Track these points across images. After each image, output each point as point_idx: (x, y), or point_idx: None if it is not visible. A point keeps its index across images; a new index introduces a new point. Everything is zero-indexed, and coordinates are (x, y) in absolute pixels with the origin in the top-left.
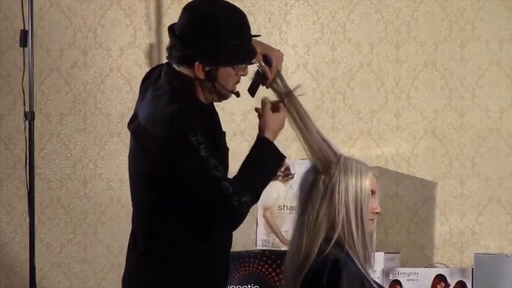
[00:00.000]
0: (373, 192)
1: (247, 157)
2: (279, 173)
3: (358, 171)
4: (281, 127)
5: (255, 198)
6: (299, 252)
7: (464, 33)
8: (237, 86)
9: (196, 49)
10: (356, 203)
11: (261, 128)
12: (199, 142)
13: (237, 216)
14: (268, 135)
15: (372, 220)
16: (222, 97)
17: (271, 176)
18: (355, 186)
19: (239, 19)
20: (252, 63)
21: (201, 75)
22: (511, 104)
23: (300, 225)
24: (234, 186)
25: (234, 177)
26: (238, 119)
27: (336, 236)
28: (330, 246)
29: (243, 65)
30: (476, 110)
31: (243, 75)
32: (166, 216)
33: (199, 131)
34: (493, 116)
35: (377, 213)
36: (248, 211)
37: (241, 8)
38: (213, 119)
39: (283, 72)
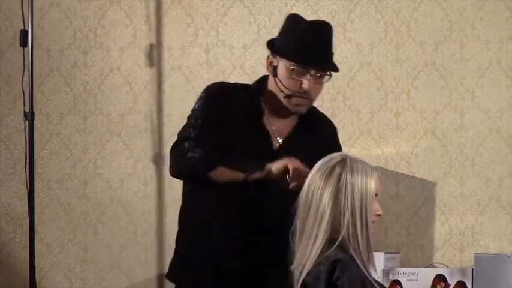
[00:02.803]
0: (376, 194)
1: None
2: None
3: (364, 172)
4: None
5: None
6: (303, 255)
7: (464, 33)
8: None
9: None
10: (361, 205)
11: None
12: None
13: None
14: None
15: (373, 222)
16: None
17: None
18: (361, 188)
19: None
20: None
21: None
22: (511, 104)
23: (303, 227)
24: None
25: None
26: None
27: (340, 237)
28: (333, 248)
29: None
30: (476, 110)
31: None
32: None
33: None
34: (493, 116)
35: (378, 215)
36: (195, 166)
37: (241, 8)
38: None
39: None
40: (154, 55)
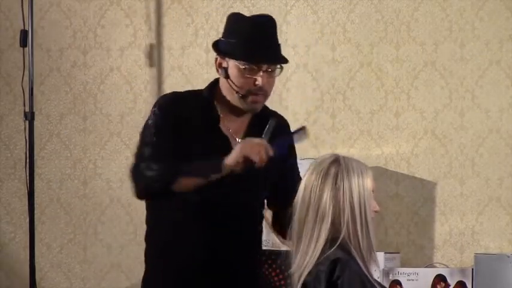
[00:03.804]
0: (373, 190)
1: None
2: None
3: (359, 170)
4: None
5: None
6: (303, 257)
7: (464, 33)
8: None
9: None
10: (360, 203)
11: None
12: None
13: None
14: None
15: (372, 219)
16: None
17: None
18: (359, 186)
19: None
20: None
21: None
22: (511, 104)
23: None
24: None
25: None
26: None
27: (341, 237)
28: (334, 248)
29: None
30: (476, 110)
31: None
32: None
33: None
34: (493, 116)
35: (376, 211)
36: (154, 183)
37: (241, 8)
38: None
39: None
40: (154, 55)
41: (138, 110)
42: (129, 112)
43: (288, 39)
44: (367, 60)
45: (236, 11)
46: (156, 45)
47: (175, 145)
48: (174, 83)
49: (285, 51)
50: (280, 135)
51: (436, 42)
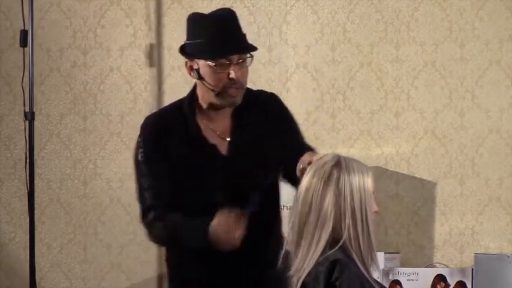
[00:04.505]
0: (373, 192)
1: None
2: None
3: (360, 172)
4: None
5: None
6: (302, 260)
7: (464, 33)
8: None
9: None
10: (361, 205)
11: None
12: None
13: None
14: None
15: (372, 221)
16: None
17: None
18: (360, 188)
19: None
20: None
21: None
22: (511, 104)
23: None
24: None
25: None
26: None
27: (342, 241)
28: (334, 249)
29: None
30: (476, 110)
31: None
32: None
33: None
34: (493, 116)
35: (375, 212)
36: (160, 240)
37: (241, 8)
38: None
39: (283, 72)
40: (154, 55)
41: (138, 110)
42: (129, 112)
43: (288, 39)
44: (367, 60)
45: (236, 11)
46: (156, 45)
47: (170, 173)
48: (174, 83)
49: (285, 51)
50: (272, 112)
51: (436, 42)
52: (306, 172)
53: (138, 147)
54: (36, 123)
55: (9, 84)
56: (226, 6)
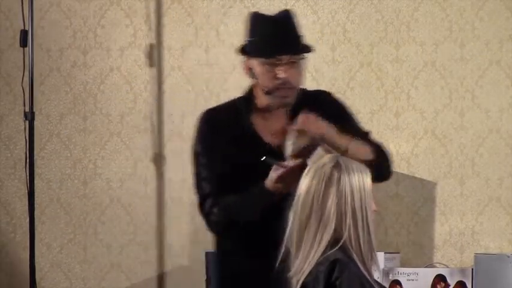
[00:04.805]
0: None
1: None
2: None
3: (359, 171)
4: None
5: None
6: (302, 261)
7: (464, 33)
8: None
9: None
10: (361, 205)
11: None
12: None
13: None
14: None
15: (372, 220)
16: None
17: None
18: (360, 188)
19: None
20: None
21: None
22: (511, 104)
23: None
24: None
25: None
26: None
27: (342, 242)
28: (334, 249)
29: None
30: (476, 110)
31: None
32: None
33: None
34: (493, 116)
35: (374, 211)
36: (220, 225)
37: (241, 8)
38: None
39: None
40: (154, 55)
41: (138, 110)
42: (129, 112)
43: None
44: (367, 60)
45: (236, 11)
46: (156, 45)
47: (225, 166)
48: (174, 83)
49: None
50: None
51: (436, 42)
52: (305, 174)
53: (195, 138)
54: (36, 123)
55: (9, 84)
56: (226, 6)
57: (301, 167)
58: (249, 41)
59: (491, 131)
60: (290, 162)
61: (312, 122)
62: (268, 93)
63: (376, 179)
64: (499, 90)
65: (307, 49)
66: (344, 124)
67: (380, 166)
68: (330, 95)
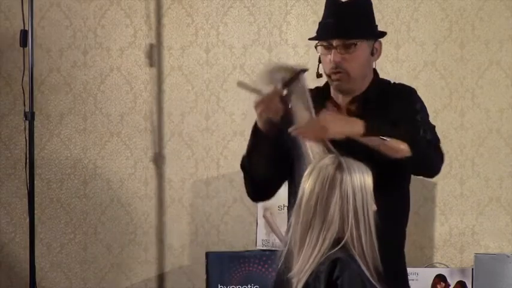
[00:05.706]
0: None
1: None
2: None
3: (361, 171)
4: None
5: None
6: (304, 262)
7: (464, 33)
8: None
9: None
10: (363, 205)
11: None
12: None
13: None
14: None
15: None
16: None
17: None
18: (361, 188)
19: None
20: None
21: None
22: (511, 104)
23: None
24: None
25: None
26: (238, 119)
27: (344, 241)
28: (336, 249)
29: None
30: (476, 110)
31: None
32: None
33: None
34: (493, 116)
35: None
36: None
37: (241, 8)
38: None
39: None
40: (154, 55)
41: (138, 110)
42: (129, 112)
43: (288, 39)
44: None
45: (236, 11)
46: (156, 45)
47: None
48: (174, 83)
49: (285, 51)
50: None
51: (436, 42)
52: (307, 175)
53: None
54: (36, 123)
55: (9, 84)
56: (226, 6)
57: (279, 95)
58: (318, 23)
59: (491, 130)
60: (266, 89)
61: (330, 121)
62: (328, 76)
63: (420, 174)
64: (499, 90)
65: (365, 34)
66: (400, 126)
67: (418, 163)
68: (412, 94)
